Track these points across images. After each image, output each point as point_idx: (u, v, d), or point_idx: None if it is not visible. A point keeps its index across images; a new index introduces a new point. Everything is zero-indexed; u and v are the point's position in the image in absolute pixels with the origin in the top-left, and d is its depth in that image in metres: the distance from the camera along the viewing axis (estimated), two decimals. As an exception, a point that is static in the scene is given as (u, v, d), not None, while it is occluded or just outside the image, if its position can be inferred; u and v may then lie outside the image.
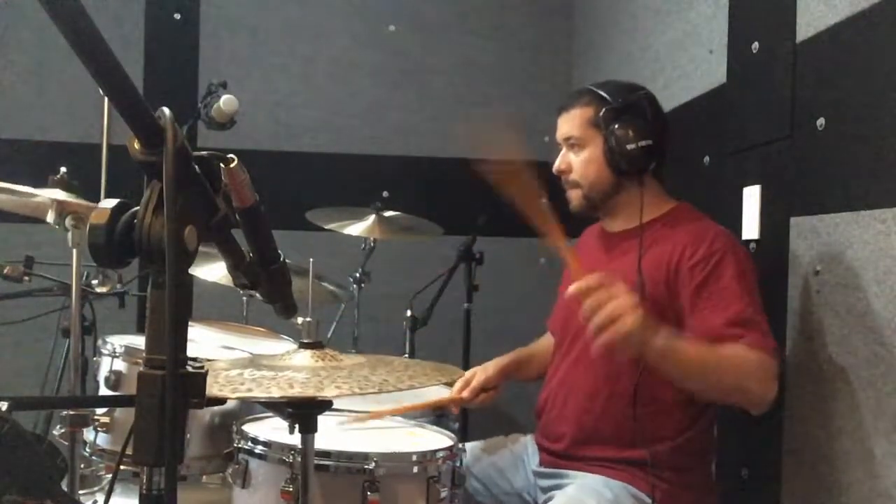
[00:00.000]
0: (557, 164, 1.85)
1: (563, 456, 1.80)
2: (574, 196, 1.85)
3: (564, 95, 1.89)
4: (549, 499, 1.73)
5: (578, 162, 1.81)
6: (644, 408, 1.68)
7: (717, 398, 1.70)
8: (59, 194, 1.76)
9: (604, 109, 1.75)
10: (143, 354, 0.76)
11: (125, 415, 1.80)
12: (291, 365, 1.27)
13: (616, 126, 1.73)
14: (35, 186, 1.80)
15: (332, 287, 2.62)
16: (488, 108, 3.46)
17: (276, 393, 1.16)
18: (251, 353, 1.85)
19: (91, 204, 1.68)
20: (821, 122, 1.67)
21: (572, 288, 1.45)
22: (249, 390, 1.16)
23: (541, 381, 1.98)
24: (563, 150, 1.85)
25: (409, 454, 1.50)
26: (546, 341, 2.10)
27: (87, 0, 0.65)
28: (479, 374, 1.96)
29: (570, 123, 1.82)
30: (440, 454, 1.52)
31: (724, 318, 1.59)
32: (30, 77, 3.20)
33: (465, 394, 1.93)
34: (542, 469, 1.85)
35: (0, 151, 3.06)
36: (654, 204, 1.80)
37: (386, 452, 1.48)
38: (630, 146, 1.72)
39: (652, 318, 1.46)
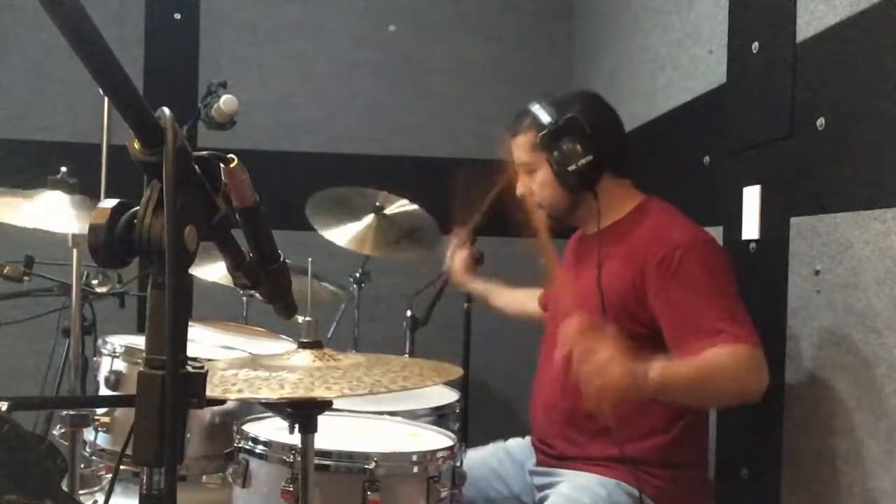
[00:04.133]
0: (518, 189, 1.88)
1: (557, 455, 1.81)
2: (542, 216, 1.87)
3: (514, 116, 1.89)
4: (544, 498, 1.73)
5: (536, 185, 1.84)
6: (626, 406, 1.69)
7: (717, 406, 1.73)
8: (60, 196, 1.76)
9: (540, 134, 1.75)
10: (143, 354, 0.76)
11: (125, 415, 1.80)
12: (287, 365, 1.27)
13: (555, 148, 1.74)
14: (35, 186, 1.80)
15: (332, 287, 2.62)
16: (488, 108, 3.46)
17: (265, 394, 1.16)
18: (251, 353, 1.85)
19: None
20: (821, 122, 1.67)
21: (559, 356, 1.45)
22: (241, 391, 1.16)
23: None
24: (521, 175, 1.87)
25: (410, 454, 1.51)
26: (526, 296, 2.23)
27: (87, 0, 0.65)
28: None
29: (519, 150, 1.85)
30: (440, 454, 1.53)
31: (703, 316, 1.59)
32: (30, 77, 3.20)
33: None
34: (538, 468, 1.86)
35: (0, 151, 3.06)
36: (617, 205, 1.81)
37: (386, 452, 1.48)
38: (571, 167, 1.73)
39: (637, 358, 1.46)
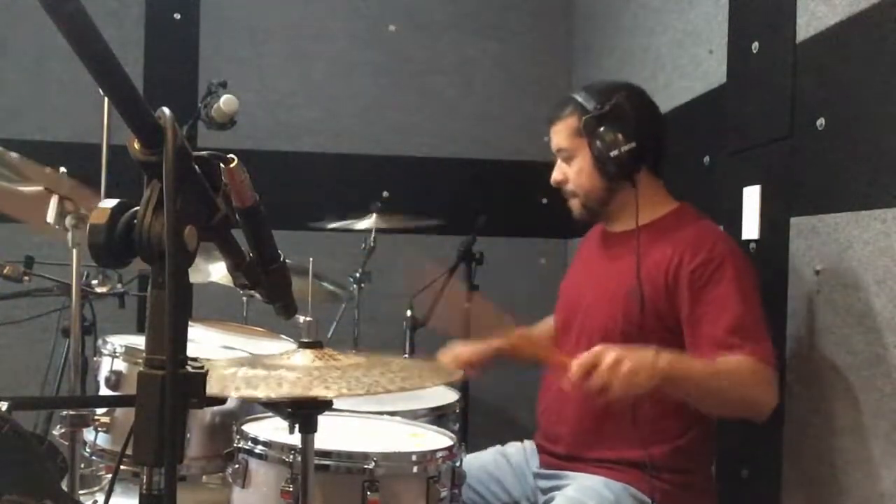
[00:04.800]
0: (554, 175, 1.87)
1: (563, 457, 1.80)
2: (574, 205, 1.88)
3: (554, 103, 1.89)
4: (550, 500, 1.73)
5: (572, 172, 1.83)
6: (643, 409, 1.68)
7: (721, 413, 1.72)
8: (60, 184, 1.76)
9: (584, 118, 1.75)
10: (143, 354, 0.76)
11: (125, 415, 1.80)
12: (287, 365, 1.27)
13: (598, 133, 1.73)
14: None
15: (332, 287, 2.62)
16: (488, 108, 3.47)
17: (263, 391, 1.16)
18: (251, 353, 1.85)
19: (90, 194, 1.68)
20: (821, 122, 1.67)
21: (567, 385, 1.48)
22: (238, 388, 1.16)
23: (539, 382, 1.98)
24: (559, 161, 1.87)
25: (409, 454, 1.50)
26: (547, 326, 2.11)
27: (87, 0, 0.65)
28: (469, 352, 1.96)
29: (559, 135, 1.84)
30: (440, 454, 1.52)
31: (723, 328, 1.59)
32: (30, 77, 3.20)
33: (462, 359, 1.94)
34: (543, 470, 1.85)
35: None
36: (654, 205, 1.80)
37: (386, 452, 1.48)
38: (614, 152, 1.72)
39: (648, 350, 1.48)
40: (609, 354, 1.44)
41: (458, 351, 1.96)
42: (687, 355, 1.60)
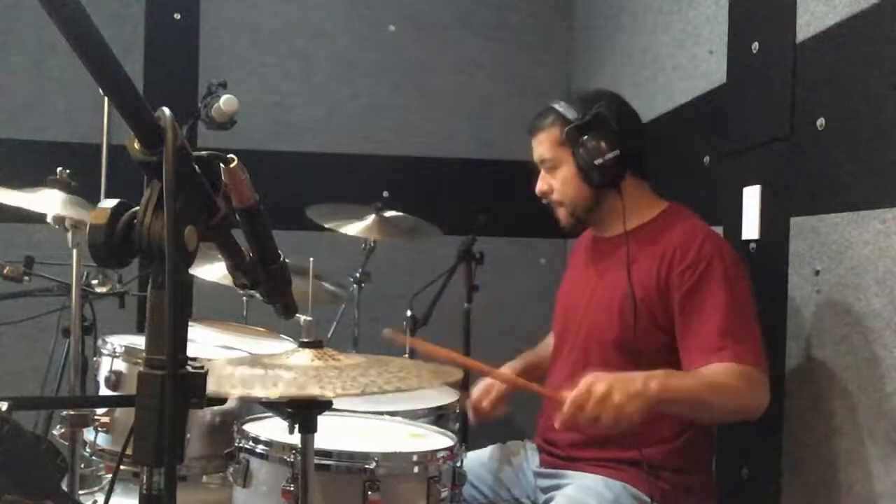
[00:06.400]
0: (539, 186, 1.87)
1: (562, 457, 1.80)
2: (561, 215, 1.88)
3: (534, 114, 1.88)
4: (550, 499, 1.73)
5: (557, 182, 1.83)
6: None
7: (716, 422, 1.76)
8: (59, 196, 1.76)
9: (567, 128, 1.75)
10: (143, 354, 0.76)
11: (125, 415, 1.80)
12: (285, 364, 1.27)
13: (581, 143, 1.73)
14: (35, 186, 1.80)
15: (332, 287, 2.62)
16: (488, 108, 3.47)
17: (259, 391, 1.15)
18: (251, 353, 1.85)
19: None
20: (821, 122, 1.67)
21: (560, 425, 1.47)
22: (234, 387, 1.15)
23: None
24: (542, 172, 1.86)
25: (410, 454, 1.51)
26: (550, 342, 2.11)
27: (87, 0, 0.65)
28: (497, 386, 1.94)
29: (541, 146, 1.83)
30: (441, 454, 1.52)
31: (711, 332, 1.60)
32: (30, 77, 3.20)
33: (485, 404, 1.92)
34: (542, 469, 1.85)
35: (0, 151, 3.06)
36: (642, 207, 1.81)
37: (387, 452, 1.48)
38: (598, 161, 1.72)
39: (637, 376, 1.47)
40: (598, 387, 1.43)
41: (488, 387, 1.95)
42: (676, 372, 1.60)
